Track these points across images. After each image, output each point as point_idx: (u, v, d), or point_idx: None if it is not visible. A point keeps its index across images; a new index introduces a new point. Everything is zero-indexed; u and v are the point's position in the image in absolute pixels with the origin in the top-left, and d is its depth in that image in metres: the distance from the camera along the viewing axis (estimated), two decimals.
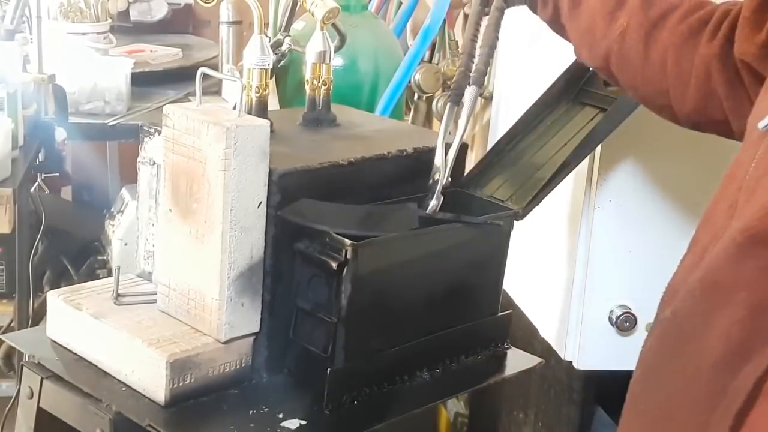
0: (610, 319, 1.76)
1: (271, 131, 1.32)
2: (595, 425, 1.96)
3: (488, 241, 1.47)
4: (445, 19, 2.39)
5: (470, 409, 2.56)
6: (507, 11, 1.46)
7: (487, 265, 1.49)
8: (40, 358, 1.40)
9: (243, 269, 1.30)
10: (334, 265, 1.28)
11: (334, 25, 1.95)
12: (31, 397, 1.37)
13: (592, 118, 1.59)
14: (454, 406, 2.62)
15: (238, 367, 1.33)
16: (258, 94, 1.43)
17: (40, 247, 2.45)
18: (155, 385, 1.28)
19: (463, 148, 1.48)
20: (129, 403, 1.29)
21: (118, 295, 1.40)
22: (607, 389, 1.83)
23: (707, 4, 1.27)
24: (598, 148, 1.68)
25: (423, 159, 1.44)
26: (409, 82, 2.36)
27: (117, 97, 2.44)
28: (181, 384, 1.28)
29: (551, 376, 1.99)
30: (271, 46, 1.78)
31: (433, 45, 2.52)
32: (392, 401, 1.37)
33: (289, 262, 1.33)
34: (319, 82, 1.53)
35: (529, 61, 1.98)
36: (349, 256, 1.28)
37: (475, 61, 1.42)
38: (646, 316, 1.72)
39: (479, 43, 1.44)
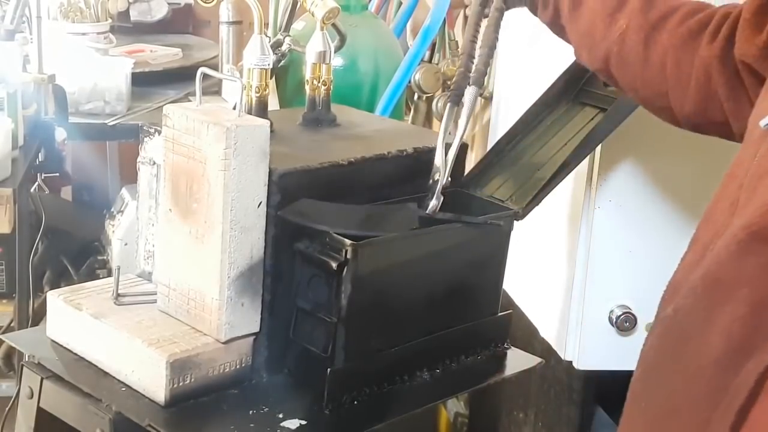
0: (610, 319, 1.76)
1: (271, 131, 1.32)
2: (595, 425, 1.96)
3: (488, 241, 1.47)
4: (445, 19, 2.39)
5: (470, 409, 2.56)
6: (507, 12, 1.47)
7: (487, 265, 1.49)
8: (40, 358, 1.40)
9: (243, 269, 1.30)
10: (334, 265, 1.28)
11: (334, 25, 1.95)
12: (31, 397, 1.37)
13: (592, 118, 1.59)
14: (454, 406, 2.62)
15: (238, 367, 1.33)
16: (258, 94, 1.43)
17: (40, 247, 2.45)
18: (155, 385, 1.28)
19: (463, 148, 1.48)
20: (129, 403, 1.29)
21: (118, 295, 1.41)
22: (607, 389, 1.83)
23: (706, 6, 1.27)
24: (598, 148, 1.68)
25: (423, 159, 1.45)
26: (409, 82, 2.36)
27: (117, 97, 2.44)
28: (181, 384, 1.28)
29: (551, 376, 1.99)
30: (271, 46, 1.78)
31: (433, 45, 2.52)
32: (392, 401, 1.37)
33: (289, 262, 1.33)
34: (319, 82, 1.53)
35: (529, 61, 1.98)
36: (349, 256, 1.28)
37: (475, 61, 1.42)
38: (646, 316, 1.72)
39: (479, 43, 1.44)
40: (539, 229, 1.80)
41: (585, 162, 1.67)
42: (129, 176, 2.69)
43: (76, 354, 1.39)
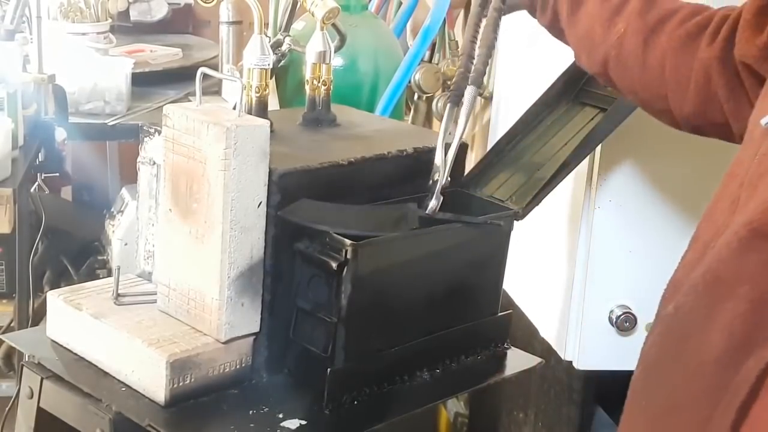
0: (610, 319, 1.76)
1: (271, 131, 1.32)
2: (595, 425, 1.96)
3: (488, 241, 1.47)
4: (445, 19, 2.39)
5: (470, 409, 2.56)
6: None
7: (487, 265, 1.49)
8: (40, 358, 1.40)
9: (243, 269, 1.30)
10: (334, 265, 1.28)
11: (334, 25, 1.95)
12: (31, 397, 1.37)
13: (592, 118, 1.59)
14: (454, 406, 2.62)
15: (238, 367, 1.33)
16: (258, 94, 1.43)
17: (40, 247, 2.45)
18: (155, 385, 1.28)
19: (462, 148, 1.48)
20: (129, 403, 1.29)
21: (118, 295, 1.40)
22: (607, 389, 1.83)
23: (704, 9, 1.28)
24: (598, 148, 1.68)
25: (423, 159, 1.45)
26: (409, 82, 2.36)
27: (117, 97, 2.44)
28: (181, 384, 1.28)
29: (551, 376, 1.99)
30: (271, 46, 1.78)
31: (433, 45, 2.52)
32: (392, 401, 1.37)
33: (289, 262, 1.33)
34: (319, 82, 1.53)
35: (529, 61, 1.98)
36: (349, 256, 1.28)
37: (474, 61, 1.42)
38: (646, 316, 1.72)
39: (478, 43, 1.44)
40: (539, 229, 1.80)
41: (585, 162, 1.67)
42: (129, 176, 2.70)
43: (76, 354, 1.39)
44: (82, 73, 2.43)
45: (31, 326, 2.22)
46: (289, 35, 2.23)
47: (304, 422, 1.28)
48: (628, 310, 1.75)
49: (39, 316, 2.21)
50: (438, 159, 1.40)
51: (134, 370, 1.30)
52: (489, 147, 1.76)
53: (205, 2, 1.72)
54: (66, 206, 3.05)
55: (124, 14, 3.05)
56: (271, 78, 1.48)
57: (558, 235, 1.83)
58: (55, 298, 1.42)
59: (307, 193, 1.33)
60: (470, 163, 1.72)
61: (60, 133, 2.46)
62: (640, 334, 1.74)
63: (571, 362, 1.81)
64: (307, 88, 1.54)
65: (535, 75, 1.85)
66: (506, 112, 2.09)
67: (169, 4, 3.17)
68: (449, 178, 1.40)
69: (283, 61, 2.26)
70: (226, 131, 1.24)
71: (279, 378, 1.36)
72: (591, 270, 1.76)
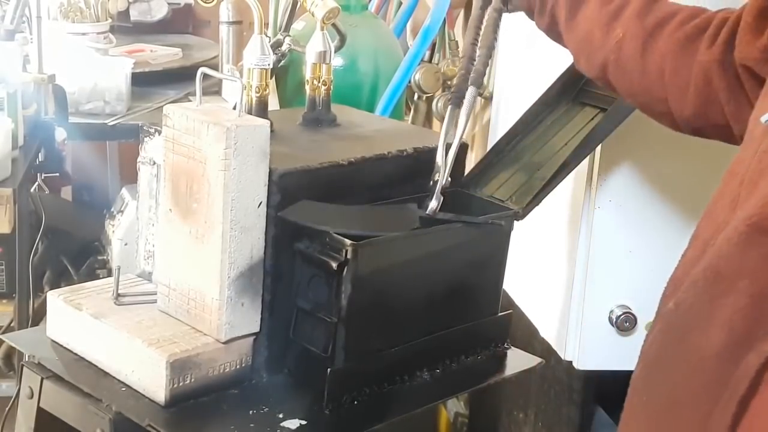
0: (610, 319, 1.76)
1: (271, 131, 1.32)
2: (595, 425, 1.96)
3: (488, 241, 1.47)
4: (445, 19, 2.39)
5: (470, 409, 2.56)
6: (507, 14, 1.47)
7: (487, 265, 1.49)
8: (40, 358, 1.40)
9: (243, 269, 1.30)
10: (334, 265, 1.28)
11: (334, 25, 1.95)
12: (31, 397, 1.37)
13: (592, 118, 1.59)
14: (454, 406, 2.62)
15: (238, 367, 1.33)
16: (258, 94, 1.43)
17: (40, 247, 2.46)
18: (155, 385, 1.28)
19: (463, 148, 1.48)
20: (129, 403, 1.29)
21: (118, 295, 1.41)
22: (607, 389, 1.83)
23: (703, 12, 1.28)
24: (598, 148, 1.68)
25: (423, 159, 1.45)
26: (409, 82, 2.36)
27: (117, 97, 2.44)
28: (181, 384, 1.28)
29: (551, 376, 1.99)
30: (271, 46, 1.78)
31: (433, 45, 2.52)
32: (392, 401, 1.37)
33: (289, 262, 1.33)
34: (319, 82, 1.53)
35: (529, 61, 1.98)
36: (349, 256, 1.28)
37: (474, 62, 1.43)
38: (646, 316, 1.72)
39: (479, 44, 1.44)
40: (539, 229, 1.80)
41: (585, 162, 1.67)
42: (129, 176, 2.70)
43: (76, 354, 1.39)
44: (82, 73, 2.43)
45: (31, 326, 2.22)
46: (289, 35, 2.23)
47: (304, 422, 1.28)
48: (628, 310, 1.75)
49: (39, 316, 2.21)
50: (439, 160, 1.40)
51: (134, 370, 1.30)
52: (489, 147, 1.76)
53: (205, 2, 1.72)
54: (66, 206, 3.05)
55: (124, 14, 3.06)
56: (271, 78, 1.48)
57: (558, 235, 1.83)
58: (55, 298, 1.42)
59: (307, 193, 1.33)
60: (470, 163, 1.72)
61: (60, 133, 2.46)
62: (640, 334, 1.74)
63: (571, 362, 1.81)
64: (307, 88, 1.54)
65: (534, 75, 1.85)
66: (506, 112, 2.09)
67: (169, 4, 3.17)
68: (449, 179, 1.40)
69: (283, 61, 2.26)
70: (226, 131, 1.24)
71: (279, 378, 1.36)
72: (591, 270, 1.76)
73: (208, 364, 1.30)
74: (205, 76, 1.33)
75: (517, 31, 1.97)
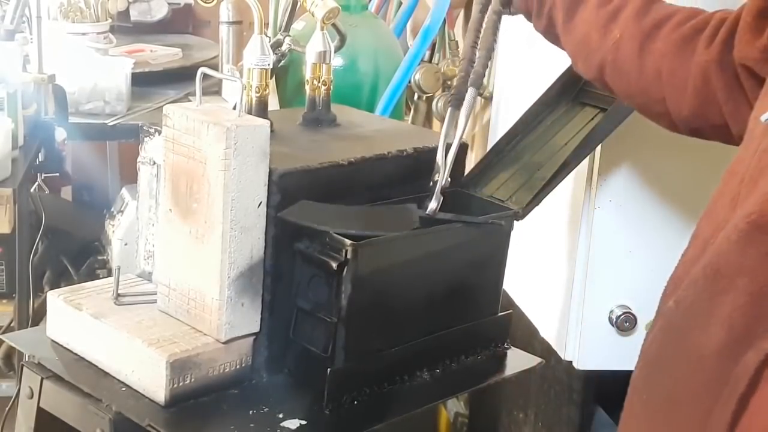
0: (610, 319, 1.76)
1: (271, 131, 1.32)
2: (595, 425, 1.96)
3: (488, 241, 1.47)
4: (445, 19, 2.39)
5: (470, 409, 2.56)
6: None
7: (487, 265, 1.49)
8: (40, 358, 1.40)
9: (243, 269, 1.30)
10: (334, 265, 1.28)
11: (334, 25, 1.95)
12: (31, 397, 1.37)
13: (592, 118, 1.59)
14: (454, 406, 2.62)
15: (238, 367, 1.33)
16: (258, 94, 1.43)
17: (40, 247, 2.46)
18: (155, 385, 1.28)
19: (463, 148, 1.48)
20: (129, 403, 1.29)
21: (118, 295, 1.41)
22: (607, 389, 1.83)
23: (700, 13, 1.28)
24: (598, 148, 1.68)
25: (423, 159, 1.45)
26: (409, 82, 2.36)
27: (117, 97, 2.44)
28: (181, 384, 1.28)
29: (551, 376, 1.99)
30: (271, 46, 1.78)
31: (433, 45, 2.52)
32: (392, 401, 1.37)
33: (289, 262, 1.33)
34: (319, 82, 1.53)
35: (529, 61, 1.98)
36: (349, 256, 1.28)
37: (474, 63, 1.43)
38: (646, 316, 1.72)
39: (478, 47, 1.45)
40: (539, 229, 1.80)
41: (585, 162, 1.67)
42: (129, 176, 2.70)
43: (76, 354, 1.39)
44: (82, 73, 2.43)
45: (31, 326, 2.22)
46: (289, 35, 2.23)
47: (304, 422, 1.28)
48: (628, 310, 1.75)
49: (39, 316, 2.21)
50: (439, 159, 1.40)
51: (134, 370, 1.31)
52: (489, 147, 1.76)
53: (205, 2, 1.72)
54: (66, 206, 3.05)
55: (124, 14, 3.06)
56: (271, 78, 1.48)
57: (558, 235, 1.83)
58: (55, 298, 1.42)
59: (307, 193, 1.33)
60: (470, 163, 1.72)
61: (60, 133, 2.47)
62: (640, 334, 1.74)
63: (571, 362, 1.81)
64: (307, 88, 1.54)
65: (534, 75, 1.85)
66: (506, 112, 2.09)
67: (169, 4, 3.17)
68: (449, 179, 1.40)
69: (283, 61, 2.26)
70: (226, 131, 1.24)
71: (279, 378, 1.36)
72: (591, 270, 1.76)
73: (208, 364, 1.30)
74: (205, 76, 1.33)
75: (518, 31, 1.97)
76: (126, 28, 3.03)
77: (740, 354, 0.94)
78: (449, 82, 2.47)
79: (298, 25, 2.33)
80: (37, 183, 2.82)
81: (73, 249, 2.65)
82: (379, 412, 1.34)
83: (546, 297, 1.88)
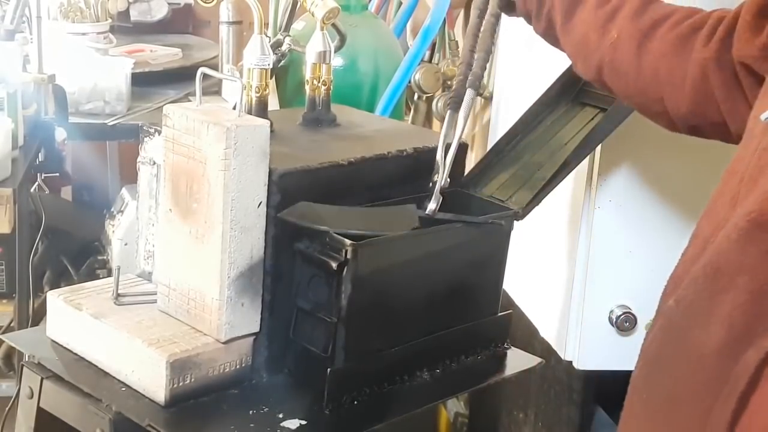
0: (610, 319, 1.76)
1: (271, 131, 1.32)
2: (595, 425, 1.96)
3: (488, 241, 1.47)
4: (445, 19, 2.39)
5: (470, 409, 2.56)
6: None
7: (487, 265, 1.49)
8: (40, 358, 1.40)
9: (243, 269, 1.30)
10: (334, 265, 1.28)
11: (334, 25, 1.95)
12: (31, 397, 1.37)
13: (592, 118, 1.59)
14: (454, 406, 2.62)
15: (238, 367, 1.33)
16: (258, 94, 1.43)
17: (40, 247, 2.46)
18: (155, 385, 1.28)
19: (462, 148, 1.48)
20: (129, 403, 1.29)
21: (118, 295, 1.41)
22: (607, 389, 1.83)
23: (697, 12, 1.28)
24: (598, 148, 1.68)
25: (423, 159, 1.45)
26: (409, 82, 2.36)
27: (117, 97, 2.44)
28: (181, 384, 1.28)
29: (551, 376, 1.99)
30: (271, 46, 1.78)
31: (433, 45, 2.52)
32: (392, 401, 1.37)
33: (289, 262, 1.33)
34: (319, 82, 1.53)
35: (529, 61, 1.98)
36: (349, 256, 1.28)
37: (473, 65, 1.43)
38: (646, 316, 1.72)
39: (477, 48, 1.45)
40: (539, 229, 1.80)
41: (585, 162, 1.67)
42: (129, 176, 2.70)
43: (76, 354, 1.39)
44: (82, 73, 2.43)
45: (31, 326, 2.22)
46: (289, 35, 2.23)
47: (304, 422, 1.28)
48: (628, 310, 1.75)
49: (39, 316, 2.21)
50: (439, 159, 1.40)
51: (134, 370, 1.31)
52: (489, 147, 1.76)
53: (205, 2, 1.72)
54: (66, 206, 3.05)
55: (124, 14, 3.06)
56: (271, 78, 1.48)
57: (558, 235, 1.83)
58: (55, 298, 1.42)
59: (307, 193, 1.33)
60: (470, 163, 1.72)
61: (60, 133, 2.47)
62: (640, 334, 1.74)
63: (571, 362, 1.81)
64: (307, 88, 1.54)
65: (534, 75, 1.85)
66: (506, 112, 2.09)
67: (169, 4, 3.17)
68: (449, 179, 1.40)
69: (283, 61, 2.26)
70: (226, 131, 1.24)
71: (279, 378, 1.36)
72: (591, 270, 1.76)
73: (208, 364, 1.30)
74: (205, 76, 1.33)
75: (517, 31, 1.97)
76: (126, 28, 3.03)
77: (740, 352, 0.94)
78: (449, 82, 2.47)
79: (298, 25, 2.33)
80: (37, 183, 2.83)
81: (73, 249, 2.65)
82: (379, 412, 1.34)
83: (546, 297, 1.88)
